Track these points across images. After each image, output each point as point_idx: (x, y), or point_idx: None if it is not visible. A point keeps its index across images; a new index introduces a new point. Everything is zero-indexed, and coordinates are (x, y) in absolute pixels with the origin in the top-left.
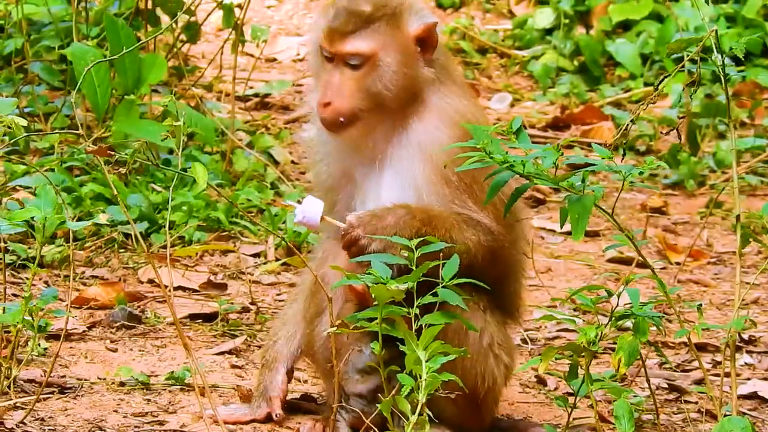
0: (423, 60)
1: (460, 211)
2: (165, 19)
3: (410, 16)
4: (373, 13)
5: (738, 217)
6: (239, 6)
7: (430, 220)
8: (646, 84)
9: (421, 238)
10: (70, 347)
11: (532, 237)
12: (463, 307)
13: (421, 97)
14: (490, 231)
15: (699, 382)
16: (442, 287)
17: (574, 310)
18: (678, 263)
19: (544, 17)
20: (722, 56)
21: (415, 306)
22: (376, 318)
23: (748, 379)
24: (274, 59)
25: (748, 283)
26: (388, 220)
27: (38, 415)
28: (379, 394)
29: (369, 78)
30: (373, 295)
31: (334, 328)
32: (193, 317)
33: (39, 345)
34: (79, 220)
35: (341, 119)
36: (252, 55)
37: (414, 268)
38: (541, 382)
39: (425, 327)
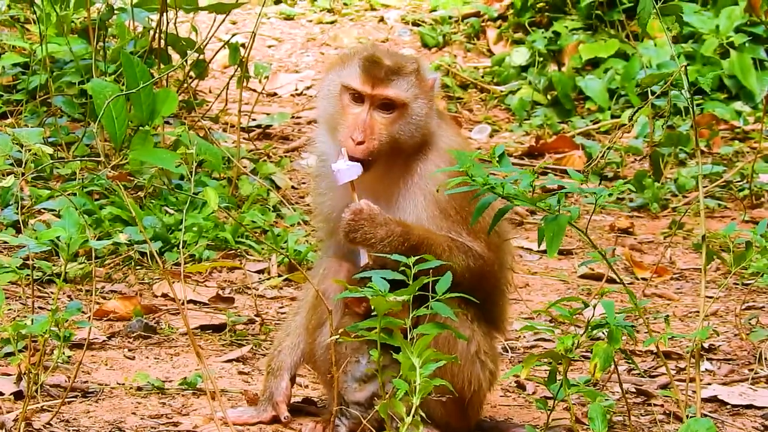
0: (434, 110)
1: (455, 238)
2: (176, 58)
3: (425, 71)
4: (404, 67)
5: (704, 237)
6: (243, 45)
7: (425, 243)
8: (613, 116)
9: (417, 257)
10: (92, 355)
11: (513, 255)
12: (453, 318)
13: (428, 142)
14: (481, 257)
15: (665, 386)
16: (435, 300)
17: (550, 321)
18: (644, 279)
19: (520, 55)
20: (690, 91)
21: (410, 317)
22: (375, 327)
23: (709, 384)
24: (275, 94)
25: (709, 297)
26: (380, 233)
27: (63, 417)
28: (375, 400)
29: (397, 124)
30: (371, 306)
31: (336, 338)
32: (203, 328)
33: (63, 353)
34: (99, 239)
35: (369, 158)
36: (255, 90)
37: (410, 282)
38: (521, 386)
39: (417, 336)
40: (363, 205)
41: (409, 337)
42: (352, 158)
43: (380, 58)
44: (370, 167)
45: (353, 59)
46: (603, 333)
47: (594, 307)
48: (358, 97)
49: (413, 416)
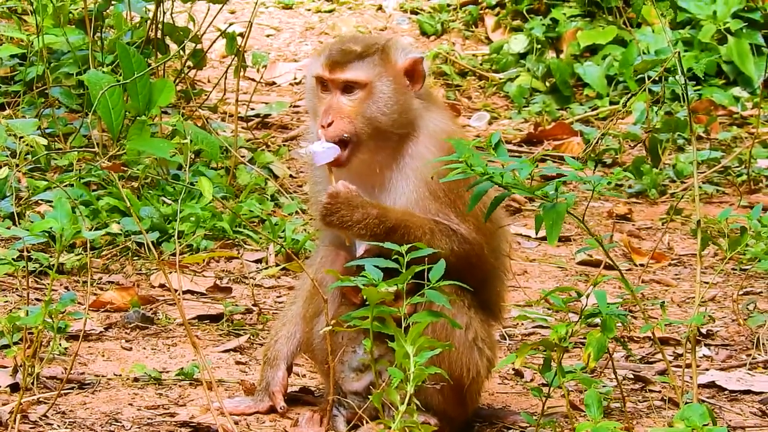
0: (413, 91)
1: (440, 221)
2: (173, 47)
3: (398, 51)
4: (366, 50)
5: (698, 223)
6: (241, 35)
7: (403, 225)
8: (611, 102)
9: (410, 245)
10: (89, 346)
11: (510, 242)
12: (447, 306)
13: (415, 125)
14: (467, 241)
15: (662, 372)
16: (429, 288)
17: (548, 308)
18: (642, 265)
19: (518, 43)
20: (684, 76)
21: (404, 305)
22: (368, 317)
23: (707, 369)
24: (274, 83)
25: (706, 283)
26: (356, 215)
27: (59, 408)
28: (373, 389)
29: (365, 103)
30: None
31: (330, 327)
32: (200, 318)
33: (60, 345)
34: (97, 230)
35: (345, 135)
36: (253, 80)
37: (403, 270)
38: (519, 374)
39: (411, 325)
40: (340, 188)
41: (404, 325)
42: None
43: (342, 44)
44: (353, 152)
45: (325, 49)
46: (598, 320)
47: (587, 297)
48: (325, 86)
49: (408, 404)
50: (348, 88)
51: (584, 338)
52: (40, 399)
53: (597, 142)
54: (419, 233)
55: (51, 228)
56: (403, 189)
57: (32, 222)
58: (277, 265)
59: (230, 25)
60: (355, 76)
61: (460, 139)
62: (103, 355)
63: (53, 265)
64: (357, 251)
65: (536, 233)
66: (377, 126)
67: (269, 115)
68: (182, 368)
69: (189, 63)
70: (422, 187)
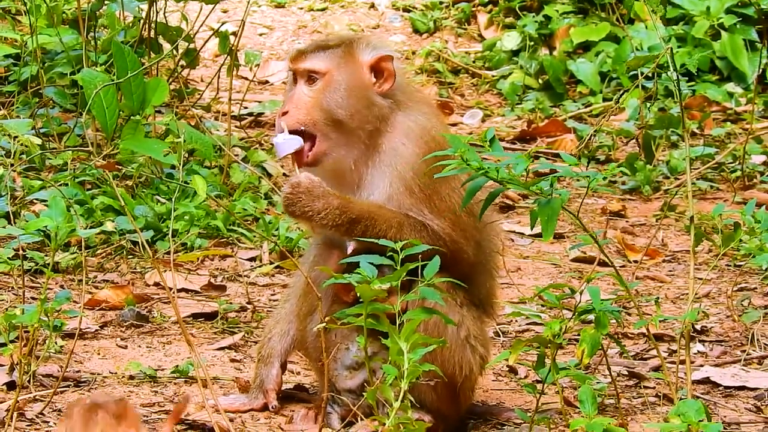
0: (379, 89)
1: (412, 216)
2: (166, 46)
3: (365, 47)
4: (334, 43)
5: (692, 219)
6: (234, 33)
7: (367, 217)
8: (605, 99)
9: (404, 242)
10: (84, 345)
11: (503, 239)
12: (441, 303)
13: (387, 121)
14: (439, 237)
15: (656, 369)
16: (422, 286)
17: (542, 305)
18: (636, 261)
19: (511, 40)
20: (677, 72)
21: (398, 303)
22: (362, 314)
23: (701, 365)
24: (267, 81)
25: (700, 279)
26: (317, 206)
27: (56, 406)
28: (367, 387)
29: (322, 94)
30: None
31: (323, 324)
32: (195, 316)
33: (55, 343)
34: (90, 229)
35: (300, 127)
36: (246, 78)
37: (397, 267)
38: (513, 371)
39: (406, 321)
40: (302, 178)
41: (398, 322)
42: (291, 132)
43: (319, 38)
44: (319, 147)
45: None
46: (592, 317)
47: (581, 293)
48: (294, 77)
49: (401, 401)
50: (311, 78)
51: (578, 335)
52: (37, 397)
53: (590, 139)
54: (385, 226)
55: (46, 227)
56: (378, 184)
57: (27, 221)
58: (271, 263)
59: (223, 24)
60: (312, 65)
61: (440, 138)
62: (99, 353)
63: (48, 263)
64: (347, 249)
65: (531, 229)
66: (335, 118)
67: (262, 113)
68: (177, 366)
69: (182, 62)
70: (397, 182)
